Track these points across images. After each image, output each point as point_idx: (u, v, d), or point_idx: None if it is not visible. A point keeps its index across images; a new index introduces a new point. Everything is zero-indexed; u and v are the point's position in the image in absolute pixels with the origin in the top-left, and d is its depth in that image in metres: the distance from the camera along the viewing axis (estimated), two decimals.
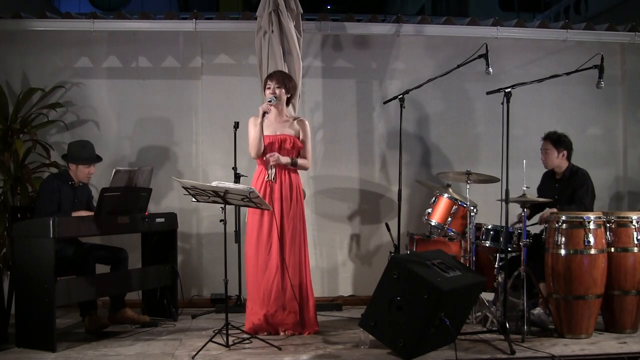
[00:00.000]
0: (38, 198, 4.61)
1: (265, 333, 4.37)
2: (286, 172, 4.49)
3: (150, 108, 5.70)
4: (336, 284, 5.80)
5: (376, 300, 3.93)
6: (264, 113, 4.34)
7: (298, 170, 4.58)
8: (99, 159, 4.72)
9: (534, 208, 4.99)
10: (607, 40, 5.90)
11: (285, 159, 4.42)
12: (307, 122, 4.61)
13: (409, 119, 5.59)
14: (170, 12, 6.07)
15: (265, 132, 4.46)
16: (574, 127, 5.71)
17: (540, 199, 4.70)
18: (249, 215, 4.51)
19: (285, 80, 4.53)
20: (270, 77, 4.56)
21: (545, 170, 5.08)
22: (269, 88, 4.48)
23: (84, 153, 4.62)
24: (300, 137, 4.53)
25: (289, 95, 4.56)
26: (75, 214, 4.51)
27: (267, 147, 4.44)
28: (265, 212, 4.39)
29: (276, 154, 4.39)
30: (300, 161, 4.51)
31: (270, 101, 4.40)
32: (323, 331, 4.53)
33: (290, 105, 4.86)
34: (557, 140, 4.87)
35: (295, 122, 4.56)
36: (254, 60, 5.45)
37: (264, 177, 4.45)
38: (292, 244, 4.44)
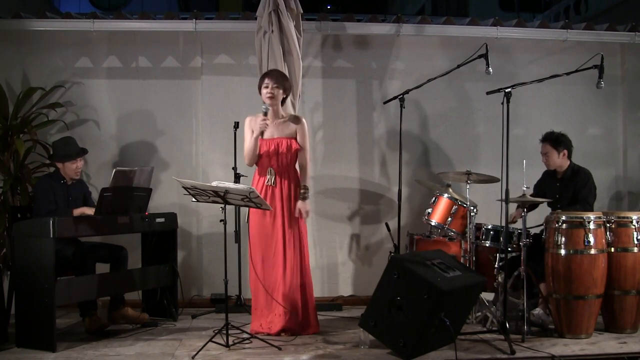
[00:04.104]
0: (35, 200, 4.61)
1: (265, 333, 4.37)
2: (286, 175, 4.47)
3: (151, 108, 5.70)
4: (336, 284, 5.80)
5: (376, 300, 3.93)
6: (262, 131, 4.34)
7: (298, 171, 4.57)
8: (84, 152, 4.70)
9: (529, 206, 4.98)
10: (607, 40, 5.89)
11: (305, 205, 4.43)
12: (304, 122, 4.53)
13: (409, 118, 5.58)
14: (170, 12, 6.06)
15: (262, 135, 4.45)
16: (574, 127, 5.71)
17: (541, 199, 4.70)
18: (252, 217, 4.50)
19: (282, 79, 4.45)
20: (268, 75, 4.46)
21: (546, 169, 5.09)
22: (266, 87, 4.39)
23: (67, 149, 4.62)
24: (298, 139, 4.47)
25: (284, 95, 4.51)
26: (76, 211, 4.51)
27: (264, 151, 4.42)
28: (268, 214, 4.40)
29: (305, 211, 4.41)
30: (306, 176, 4.49)
31: (265, 113, 4.34)
32: (323, 331, 4.53)
33: (290, 105, 4.86)
34: (555, 141, 4.87)
35: (292, 121, 4.51)
36: (254, 60, 5.45)
37: (264, 181, 4.45)
38: (295, 245, 4.44)
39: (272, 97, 4.40)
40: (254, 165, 4.52)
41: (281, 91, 4.43)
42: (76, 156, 4.64)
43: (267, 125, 4.35)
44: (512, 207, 4.73)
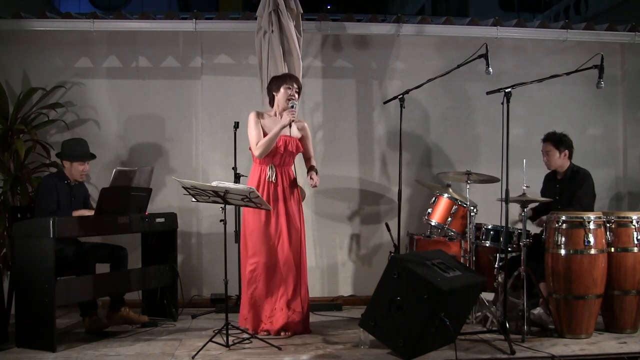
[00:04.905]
0: (37, 198, 4.61)
1: (264, 333, 4.38)
2: (286, 172, 4.51)
3: (150, 108, 5.70)
4: (336, 284, 5.80)
5: (376, 300, 3.93)
6: (291, 123, 4.40)
7: (296, 169, 4.62)
8: (93, 156, 4.72)
9: (538, 211, 4.99)
10: (607, 40, 5.90)
11: (316, 177, 4.52)
12: (306, 124, 4.68)
13: (409, 118, 5.58)
14: (170, 12, 6.06)
15: (270, 131, 4.46)
16: (574, 127, 5.71)
17: (541, 199, 4.70)
18: (250, 215, 4.49)
19: (299, 87, 4.62)
20: (291, 78, 4.58)
21: (547, 172, 5.08)
22: (290, 88, 4.48)
23: (78, 150, 4.63)
24: (304, 140, 4.59)
25: None
26: (76, 213, 4.51)
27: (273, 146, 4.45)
28: (270, 211, 4.40)
29: (316, 180, 4.49)
30: (314, 165, 4.66)
31: (292, 107, 4.43)
32: (323, 331, 4.53)
33: None
34: (558, 141, 4.87)
35: (295, 124, 4.55)
36: (254, 60, 5.46)
37: (265, 177, 4.46)
38: (298, 243, 4.46)
39: (295, 98, 4.52)
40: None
41: (297, 95, 4.57)
42: (86, 158, 4.65)
43: (295, 117, 4.44)
44: (512, 207, 4.72)
